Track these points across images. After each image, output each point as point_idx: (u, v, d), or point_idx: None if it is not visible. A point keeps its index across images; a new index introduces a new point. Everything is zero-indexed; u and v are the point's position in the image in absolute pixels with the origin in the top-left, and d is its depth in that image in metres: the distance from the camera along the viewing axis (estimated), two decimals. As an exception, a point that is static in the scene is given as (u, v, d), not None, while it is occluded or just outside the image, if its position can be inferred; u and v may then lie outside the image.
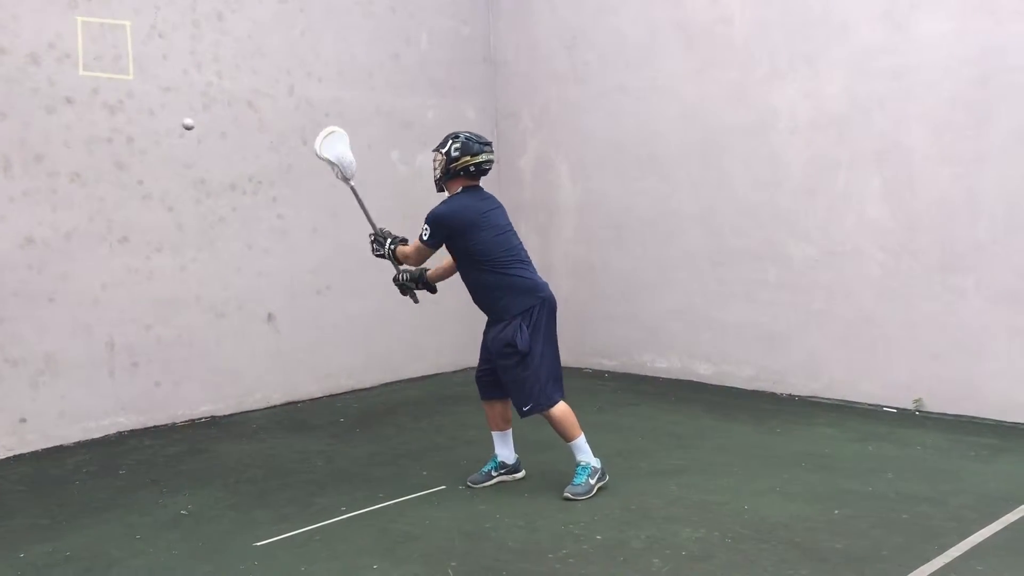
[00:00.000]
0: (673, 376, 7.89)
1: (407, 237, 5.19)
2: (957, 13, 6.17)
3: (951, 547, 4.04)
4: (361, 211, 5.23)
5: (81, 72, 6.24)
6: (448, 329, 8.34)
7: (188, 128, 6.28)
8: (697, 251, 7.65)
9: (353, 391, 7.81)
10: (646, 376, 8.02)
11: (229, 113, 7.00)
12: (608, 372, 8.29)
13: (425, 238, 4.88)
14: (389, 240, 5.11)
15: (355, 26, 7.79)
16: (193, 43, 6.78)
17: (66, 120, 6.19)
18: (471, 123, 8.47)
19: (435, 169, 4.96)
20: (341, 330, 7.73)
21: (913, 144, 6.42)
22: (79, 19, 6.21)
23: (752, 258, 7.32)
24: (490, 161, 4.95)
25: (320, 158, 5.20)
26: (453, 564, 4.04)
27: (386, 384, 8.06)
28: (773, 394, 7.21)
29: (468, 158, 4.86)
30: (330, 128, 5.27)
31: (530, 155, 8.75)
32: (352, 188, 5.25)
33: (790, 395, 7.15)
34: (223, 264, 7.01)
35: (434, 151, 4.99)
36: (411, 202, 7.46)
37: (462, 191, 4.94)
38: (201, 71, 6.83)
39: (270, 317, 7.30)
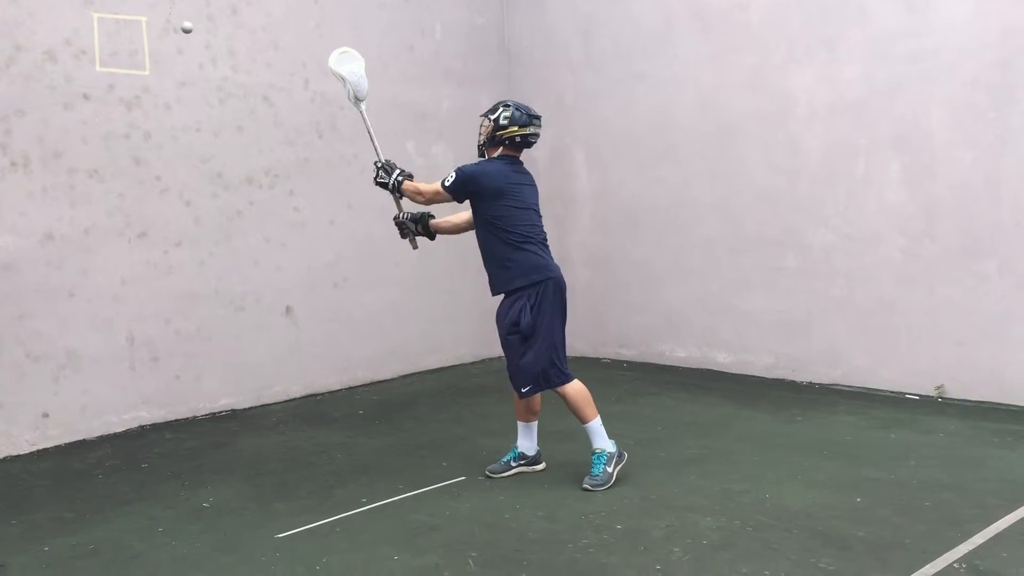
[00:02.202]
0: (692, 365, 7.86)
1: (413, 174, 5.13)
2: (977, -6, 6.10)
3: (975, 534, 4.01)
4: (368, 137, 5.18)
5: (98, 68, 6.26)
6: (466, 320, 8.35)
7: (187, 31, 6.19)
8: (715, 239, 7.61)
9: (372, 383, 7.82)
10: (665, 365, 7.99)
11: (245, 107, 7.01)
12: (627, 362, 8.27)
13: (448, 184, 4.84)
14: (396, 172, 4.99)
15: (369, 18, 7.78)
16: (208, 37, 6.79)
17: (83, 116, 6.22)
18: (486, 113, 8.45)
19: (480, 134, 4.98)
20: (359, 322, 7.75)
21: (933, 128, 6.36)
22: (95, 15, 6.23)
23: (770, 245, 7.27)
24: (536, 135, 4.96)
25: (333, 73, 5.14)
26: (473, 554, 4.04)
27: (404, 376, 8.07)
28: (793, 382, 7.17)
29: (515, 128, 4.87)
30: (345, 48, 5.22)
31: (546, 145, 8.68)
32: (361, 112, 5.20)
33: (810, 383, 7.11)
34: (241, 258, 7.03)
35: (482, 116, 5.01)
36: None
37: (499, 157, 4.95)
38: (216, 65, 6.85)
39: (288, 310, 7.33)
